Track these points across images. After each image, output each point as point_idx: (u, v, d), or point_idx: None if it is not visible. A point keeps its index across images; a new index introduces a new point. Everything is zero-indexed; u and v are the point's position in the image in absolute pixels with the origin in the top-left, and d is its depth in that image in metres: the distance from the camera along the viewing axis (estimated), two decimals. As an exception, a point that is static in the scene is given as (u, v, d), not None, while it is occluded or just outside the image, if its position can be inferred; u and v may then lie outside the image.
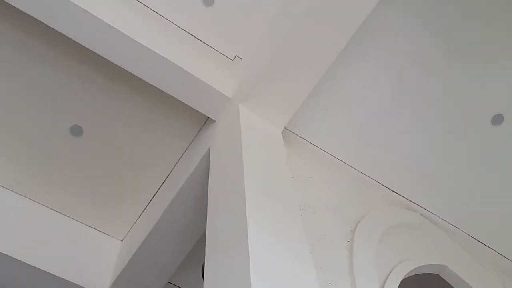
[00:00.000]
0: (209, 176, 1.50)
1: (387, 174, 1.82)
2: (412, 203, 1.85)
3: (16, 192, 1.95)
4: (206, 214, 1.71)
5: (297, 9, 1.53)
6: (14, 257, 1.73)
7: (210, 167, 1.55)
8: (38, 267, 1.75)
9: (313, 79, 1.58)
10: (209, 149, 1.65)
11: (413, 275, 1.59)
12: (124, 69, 1.63)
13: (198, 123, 1.88)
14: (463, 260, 1.72)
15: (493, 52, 1.73)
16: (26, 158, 1.90)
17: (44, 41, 1.70)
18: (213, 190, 1.41)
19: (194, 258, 1.96)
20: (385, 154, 1.81)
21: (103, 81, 1.78)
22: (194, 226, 1.74)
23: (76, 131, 1.85)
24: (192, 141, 1.91)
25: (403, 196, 1.83)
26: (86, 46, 1.57)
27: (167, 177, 1.97)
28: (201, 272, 1.79)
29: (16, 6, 1.50)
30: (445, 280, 1.67)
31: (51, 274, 1.78)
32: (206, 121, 1.87)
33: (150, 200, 2.00)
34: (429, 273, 1.65)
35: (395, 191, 1.83)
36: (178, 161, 1.94)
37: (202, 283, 2.06)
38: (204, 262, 1.43)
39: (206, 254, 1.17)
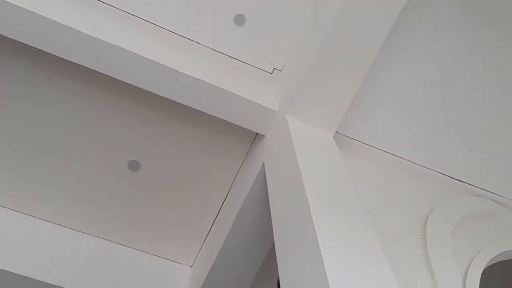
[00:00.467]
0: (268, 191, 1.50)
1: (449, 163, 1.76)
2: (480, 189, 1.77)
3: (83, 232, 2.02)
4: (270, 229, 1.71)
5: (329, 11, 1.52)
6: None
7: (267, 182, 1.55)
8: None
9: (357, 78, 1.55)
10: (263, 164, 1.66)
11: (494, 263, 1.52)
12: (174, 101, 1.67)
13: (248, 141, 1.89)
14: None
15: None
16: (89, 198, 1.98)
17: (100, 87, 1.78)
18: (275, 205, 1.41)
19: (265, 274, 1.96)
20: (443, 142, 1.75)
21: (156, 116, 1.83)
22: (260, 242, 1.74)
23: (134, 165, 1.92)
24: (245, 159, 1.92)
25: (469, 184, 1.76)
26: (140, 87, 1.63)
27: (225, 198, 1.99)
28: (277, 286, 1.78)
29: (75, 62, 1.58)
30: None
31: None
32: (255, 137, 1.88)
33: (213, 223, 2.02)
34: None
35: (460, 179, 1.76)
36: (233, 180, 1.96)
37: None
38: (278, 279, 1.43)
39: (279, 271, 1.17)
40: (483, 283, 1.40)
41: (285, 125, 1.56)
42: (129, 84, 1.64)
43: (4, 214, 1.94)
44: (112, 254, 2.01)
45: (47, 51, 1.56)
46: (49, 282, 1.80)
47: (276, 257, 1.22)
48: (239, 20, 1.80)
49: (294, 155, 1.37)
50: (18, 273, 1.77)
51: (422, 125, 1.73)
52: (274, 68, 1.88)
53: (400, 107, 1.72)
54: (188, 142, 1.89)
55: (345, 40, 1.49)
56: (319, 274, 0.97)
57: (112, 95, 1.80)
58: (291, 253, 1.15)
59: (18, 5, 1.48)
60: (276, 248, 1.25)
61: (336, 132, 1.67)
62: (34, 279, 1.78)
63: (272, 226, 1.41)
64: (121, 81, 1.64)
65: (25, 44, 1.55)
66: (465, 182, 1.77)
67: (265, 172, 1.63)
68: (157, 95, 1.68)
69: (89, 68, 1.60)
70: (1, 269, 1.76)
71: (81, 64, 1.59)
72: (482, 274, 1.40)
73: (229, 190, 1.97)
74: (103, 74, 1.62)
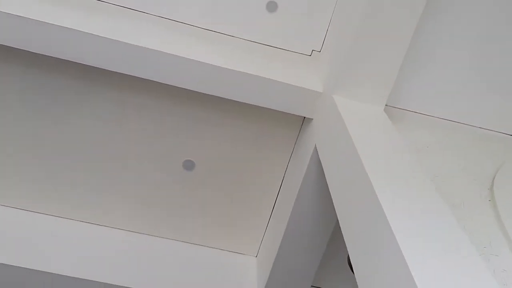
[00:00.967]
0: (325, 172, 1.50)
1: (507, 120, 1.69)
2: (545, 144, 1.70)
3: (147, 234, 2.10)
4: (330, 209, 1.71)
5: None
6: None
7: (322, 163, 1.55)
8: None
9: (401, 47, 1.52)
10: (315, 147, 1.66)
11: None
12: (220, 98, 1.70)
13: (296, 127, 1.90)
14: None
15: None
16: (148, 201, 2.04)
17: (150, 94, 1.84)
18: (334, 184, 1.40)
19: (332, 254, 1.97)
20: (500, 102, 1.68)
21: (206, 115, 1.87)
22: (322, 224, 1.75)
23: (189, 165, 1.96)
24: (295, 145, 1.93)
25: (532, 140, 1.69)
26: (188, 88, 1.67)
27: (280, 185, 2.00)
28: (348, 264, 1.78)
29: (125, 73, 1.64)
30: None
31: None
32: (303, 122, 1.88)
33: (271, 211, 2.04)
34: None
35: (522, 136, 1.70)
36: (287, 167, 1.97)
37: (344, 280, 2.05)
38: (348, 256, 1.43)
39: (348, 248, 1.17)
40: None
41: (333, 105, 1.55)
42: (177, 87, 1.68)
43: (66, 223, 2.04)
44: (177, 252, 2.07)
45: (96, 66, 1.63)
46: (120, 285, 1.87)
47: (342, 235, 1.22)
48: (271, 7, 1.80)
49: (347, 133, 1.36)
50: (89, 278, 1.85)
51: (476, 85, 1.67)
52: (313, 50, 1.87)
53: (450, 69, 1.66)
54: (238, 137, 1.92)
55: (385, 9, 1.46)
56: (391, 245, 0.96)
57: (157, 99, 1.85)
58: (358, 229, 1.15)
59: (67, 26, 1.55)
60: (341, 227, 1.25)
61: (386, 105, 1.64)
62: (105, 282, 1.86)
63: (333, 206, 1.42)
64: (166, 85, 1.68)
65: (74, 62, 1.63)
66: (527, 139, 1.70)
67: (318, 155, 1.63)
68: (204, 94, 1.71)
69: (136, 78, 1.66)
70: (77, 277, 1.85)
71: (130, 74, 1.65)
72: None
73: (283, 177, 1.98)
74: (148, 81, 1.68)
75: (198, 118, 1.88)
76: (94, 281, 1.85)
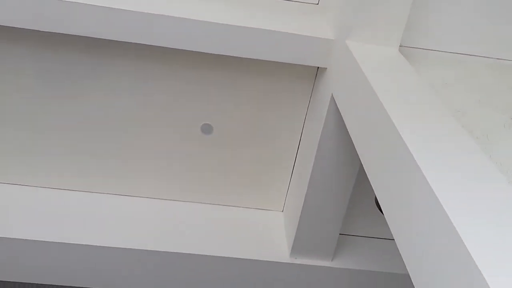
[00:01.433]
0: (344, 119, 1.49)
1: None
2: None
3: (172, 199, 2.14)
4: (352, 156, 1.72)
5: None
6: (201, 254, 1.92)
7: (341, 111, 1.54)
8: (224, 256, 1.92)
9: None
10: (331, 96, 1.65)
11: None
12: (233, 58, 1.68)
13: (310, 78, 1.88)
14: None
15: None
16: (168, 168, 2.07)
17: (163, 61, 1.82)
18: (354, 129, 1.40)
19: (357, 203, 1.99)
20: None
21: (220, 78, 1.87)
22: (345, 173, 1.76)
23: (207, 129, 1.97)
24: (311, 96, 1.91)
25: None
26: (201, 51, 1.67)
27: (300, 138, 2.00)
28: (376, 206, 1.81)
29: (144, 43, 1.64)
30: None
31: (233, 258, 1.93)
32: (317, 73, 1.86)
33: (293, 165, 2.06)
34: None
35: (543, 63, 1.66)
36: (304, 120, 1.96)
37: (372, 225, 2.08)
38: (375, 197, 1.45)
39: (375, 189, 1.18)
40: None
41: (347, 51, 1.53)
42: (187, 51, 1.67)
43: (93, 197, 2.09)
44: (204, 215, 2.11)
45: (107, 38, 1.62)
46: (154, 249, 1.93)
47: (365, 181, 1.23)
48: (275, -42, 1.76)
49: (364, 77, 1.34)
50: (122, 246, 1.91)
51: (490, 15, 1.62)
52: (320, -2, 1.84)
53: (462, 2, 1.61)
54: (253, 96, 1.91)
55: None
56: (418, 179, 0.96)
57: (169, 66, 1.84)
58: (383, 169, 1.15)
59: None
60: (366, 170, 1.26)
61: (400, 45, 1.61)
62: (137, 249, 1.91)
63: (354, 152, 1.42)
64: (177, 50, 1.67)
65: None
66: (548, 66, 1.66)
67: (335, 103, 1.62)
68: (214, 56, 1.70)
69: (147, 46, 1.66)
70: (110, 247, 1.91)
71: (140, 42, 1.65)
72: None
73: (302, 130, 1.98)
74: (160, 48, 1.67)
75: (211, 81, 1.88)
76: (130, 248, 1.91)
